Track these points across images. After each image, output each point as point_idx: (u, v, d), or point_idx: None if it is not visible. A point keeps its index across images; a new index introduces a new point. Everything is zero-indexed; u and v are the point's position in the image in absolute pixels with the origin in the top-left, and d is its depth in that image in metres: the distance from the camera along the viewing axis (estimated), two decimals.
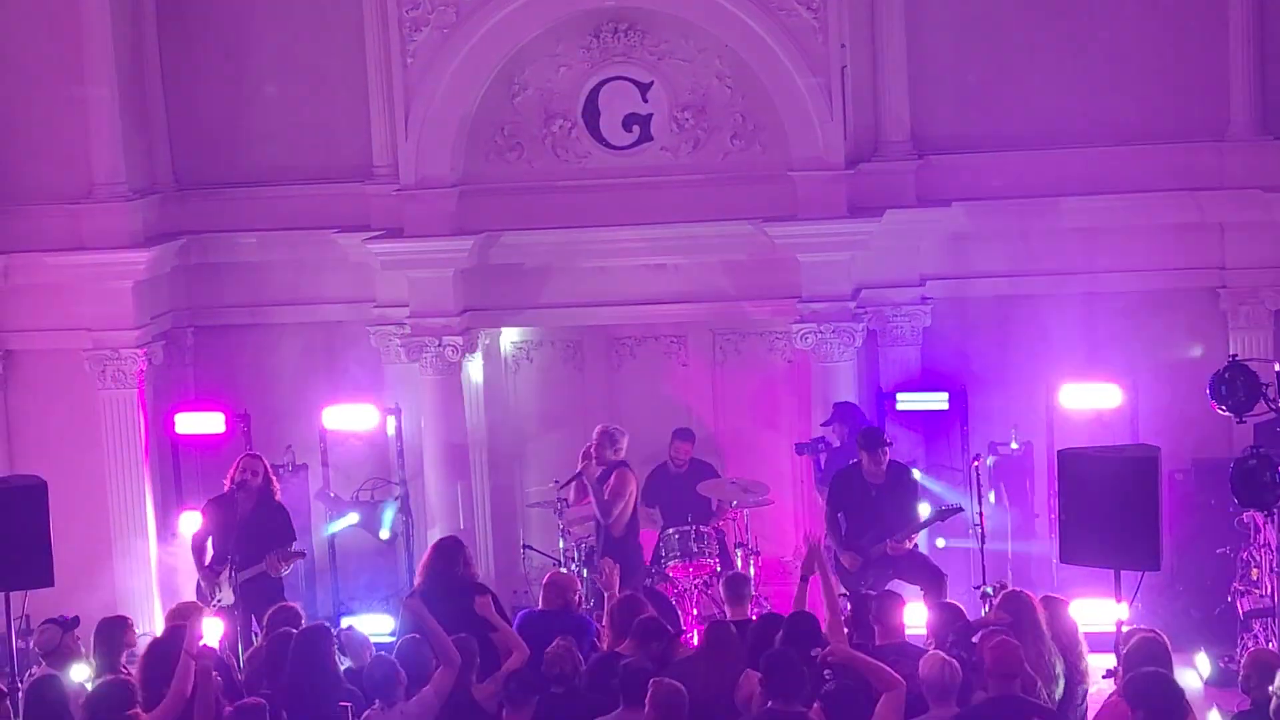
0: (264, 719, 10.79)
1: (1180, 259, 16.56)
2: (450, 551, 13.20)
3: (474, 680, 11.69)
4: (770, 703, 10.75)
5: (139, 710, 10.65)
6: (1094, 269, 16.68)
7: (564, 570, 14.85)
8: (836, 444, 15.93)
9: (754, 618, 12.60)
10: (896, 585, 13.99)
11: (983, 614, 12.38)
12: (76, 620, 12.66)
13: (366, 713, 11.31)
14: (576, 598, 13.12)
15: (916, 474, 15.59)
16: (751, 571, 15.78)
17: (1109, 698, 11.02)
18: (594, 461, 15.35)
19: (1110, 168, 16.50)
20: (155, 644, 12.07)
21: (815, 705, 10.56)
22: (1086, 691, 11.77)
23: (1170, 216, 16.45)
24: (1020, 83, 16.70)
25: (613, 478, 15.30)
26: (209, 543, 14.96)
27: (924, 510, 15.01)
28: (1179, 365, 16.39)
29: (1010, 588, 12.13)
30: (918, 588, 14.37)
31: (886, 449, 14.86)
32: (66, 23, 16.85)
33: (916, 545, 14.88)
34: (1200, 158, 16.44)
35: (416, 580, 13.45)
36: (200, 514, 15.36)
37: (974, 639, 11.37)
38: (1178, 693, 10.17)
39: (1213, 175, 16.41)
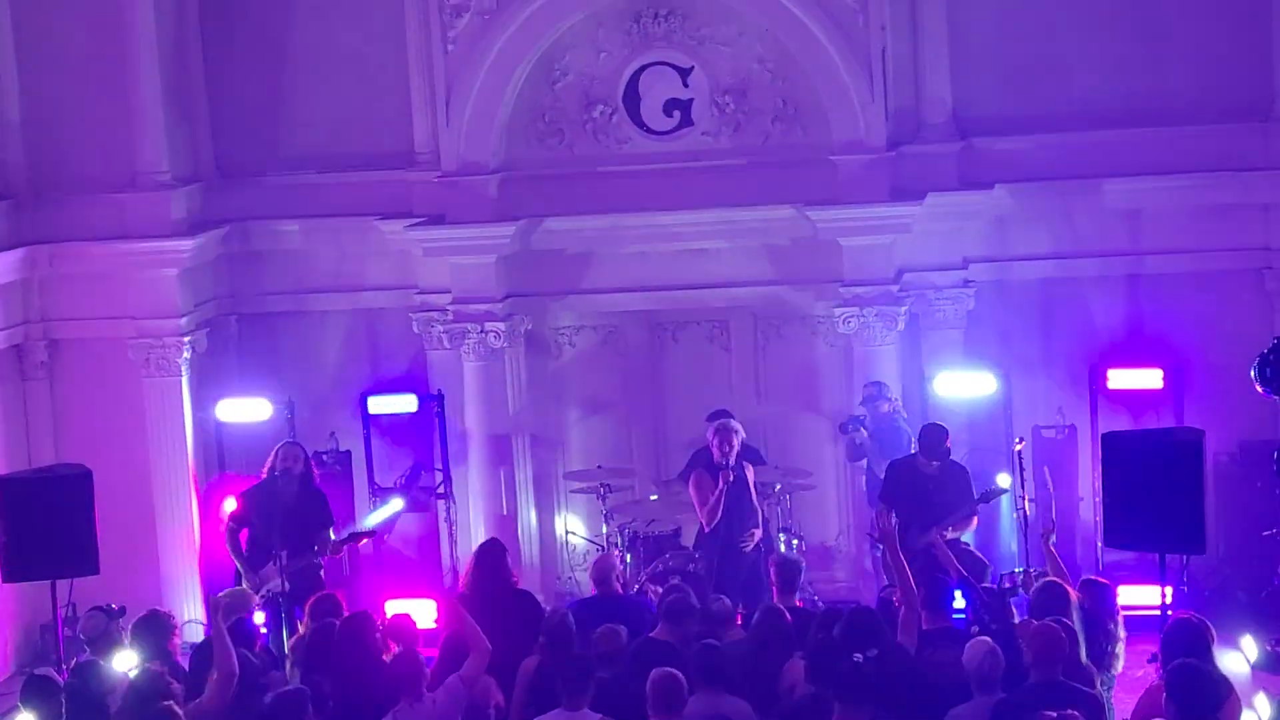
0: (305, 708, 10.78)
1: (1225, 240, 16.46)
2: (491, 556, 13.15)
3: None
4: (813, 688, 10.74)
5: (172, 704, 10.70)
6: (1138, 251, 16.61)
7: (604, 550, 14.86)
8: (869, 428, 15.93)
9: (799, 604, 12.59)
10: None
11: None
12: (123, 610, 12.73)
13: (392, 711, 11.20)
14: (617, 580, 13.15)
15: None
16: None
17: (1153, 683, 10.97)
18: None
19: (1154, 149, 16.38)
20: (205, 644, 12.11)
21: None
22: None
23: (1214, 197, 16.35)
24: (1062, 64, 16.62)
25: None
26: (243, 533, 14.97)
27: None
28: (1224, 347, 16.27)
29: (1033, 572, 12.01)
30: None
31: (948, 450, 14.79)
32: (109, 12, 16.90)
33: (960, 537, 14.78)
34: (1244, 138, 16.33)
35: (461, 583, 13.33)
36: (236, 502, 15.37)
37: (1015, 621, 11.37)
38: (1211, 687, 10.00)
39: (1257, 156, 16.29)
